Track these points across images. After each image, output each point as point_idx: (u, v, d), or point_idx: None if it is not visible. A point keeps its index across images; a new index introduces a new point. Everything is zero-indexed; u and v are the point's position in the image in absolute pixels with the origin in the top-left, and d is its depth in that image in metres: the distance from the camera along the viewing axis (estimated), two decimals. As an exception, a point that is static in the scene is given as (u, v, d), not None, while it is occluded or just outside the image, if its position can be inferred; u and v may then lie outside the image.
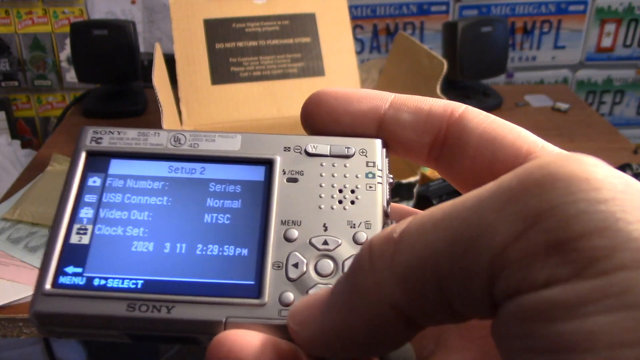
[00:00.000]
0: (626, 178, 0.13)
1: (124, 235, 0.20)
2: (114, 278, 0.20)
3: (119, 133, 0.22)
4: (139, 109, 1.22)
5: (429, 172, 0.96)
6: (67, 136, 1.14)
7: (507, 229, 0.13)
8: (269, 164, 0.21)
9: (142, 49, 1.49)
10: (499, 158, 0.19)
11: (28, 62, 1.61)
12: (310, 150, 0.22)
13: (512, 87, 1.56)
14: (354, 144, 0.21)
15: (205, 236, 0.20)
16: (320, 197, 0.21)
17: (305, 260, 0.20)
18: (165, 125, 0.63)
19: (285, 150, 0.22)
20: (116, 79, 1.22)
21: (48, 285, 0.19)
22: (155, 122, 0.66)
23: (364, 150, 0.21)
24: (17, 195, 0.92)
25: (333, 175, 0.21)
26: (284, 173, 0.21)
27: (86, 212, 0.21)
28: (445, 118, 0.20)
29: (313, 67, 0.89)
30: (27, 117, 1.69)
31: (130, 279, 0.20)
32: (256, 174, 0.21)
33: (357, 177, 0.21)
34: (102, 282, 0.20)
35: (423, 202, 0.82)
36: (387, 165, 0.21)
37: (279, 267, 0.20)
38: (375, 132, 0.21)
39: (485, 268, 0.13)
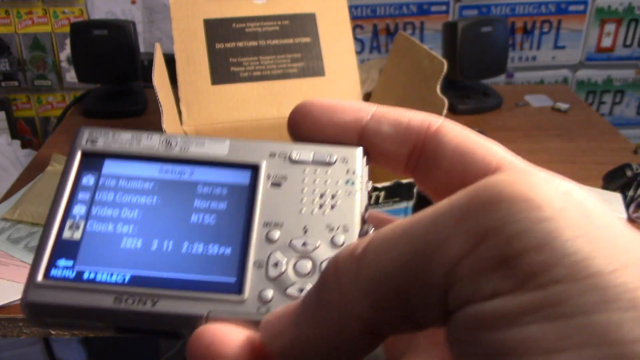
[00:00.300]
0: (567, 196, 0.14)
1: (114, 231, 0.21)
2: (102, 272, 0.21)
3: (113, 135, 0.23)
4: (139, 109, 1.22)
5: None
6: (67, 136, 1.14)
7: (458, 246, 0.14)
8: (254, 168, 0.23)
9: (142, 49, 1.49)
10: (470, 172, 0.20)
11: (28, 62, 1.61)
12: (294, 156, 0.23)
13: (512, 87, 1.56)
14: (336, 152, 0.23)
15: (191, 235, 0.21)
16: (302, 201, 0.22)
17: (284, 260, 0.21)
18: (165, 125, 0.63)
19: (270, 156, 0.23)
20: (116, 79, 1.22)
21: (40, 277, 0.20)
22: (155, 122, 0.66)
23: (345, 159, 0.22)
24: (17, 195, 0.92)
25: (315, 182, 0.22)
26: (269, 178, 0.22)
27: (79, 209, 0.22)
28: (422, 131, 0.21)
29: (313, 67, 0.89)
30: (27, 117, 1.69)
31: (118, 273, 0.21)
32: (242, 177, 0.23)
33: (337, 183, 0.22)
34: (92, 275, 0.21)
35: (423, 202, 0.82)
36: (366, 173, 0.23)
37: (260, 266, 0.21)
38: (357, 142, 0.22)
39: (440, 281, 0.14)
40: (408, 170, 0.22)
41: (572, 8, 1.66)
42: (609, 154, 1.08)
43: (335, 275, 0.16)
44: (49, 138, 1.18)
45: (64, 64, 1.62)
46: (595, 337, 0.12)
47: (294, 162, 0.23)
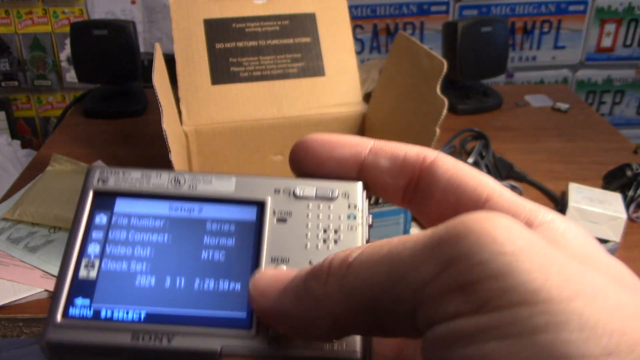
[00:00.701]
0: (528, 240, 0.16)
1: (128, 269, 0.22)
2: (119, 310, 0.21)
3: (123, 173, 0.24)
4: (139, 109, 1.22)
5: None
6: (67, 136, 1.14)
7: (428, 271, 0.16)
8: (260, 205, 0.24)
9: (142, 49, 1.49)
10: (462, 203, 0.21)
11: (28, 62, 1.61)
12: (298, 193, 0.24)
13: (512, 87, 1.56)
14: (337, 187, 0.24)
15: (202, 271, 0.22)
16: (307, 236, 0.23)
17: None
18: (165, 125, 0.63)
19: (275, 192, 0.24)
20: (116, 79, 1.22)
21: (59, 316, 0.21)
22: (155, 122, 0.66)
23: (347, 194, 0.24)
24: (17, 195, 0.92)
25: (318, 217, 0.23)
26: (274, 214, 0.23)
27: (94, 248, 0.23)
28: (418, 164, 0.22)
29: (313, 67, 0.89)
30: (27, 117, 1.69)
31: (134, 311, 0.21)
32: (249, 214, 0.24)
33: (339, 218, 0.23)
34: (109, 313, 0.21)
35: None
36: (367, 206, 0.24)
37: None
38: (356, 175, 0.24)
39: (409, 299, 0.16)
40: (405, 201, 0.23)
41: (572, 8, 1.66)
42: (609, 154, 1.08)
43: (327, 273, 0.18)
44: (49, 138, 1.18)
45: (64, 64, 1.62)
46: (544, 354, 0.14)
47: (298, 197, 0.24)
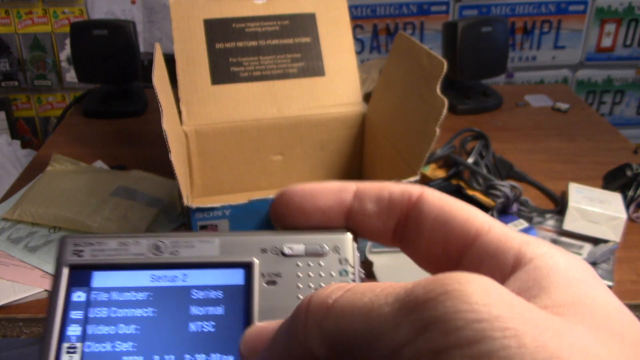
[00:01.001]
0: (506, 304, 0.16)
1: (112, 350, 0.21)
2: None
3: (99, 244, 0.22)
4: (139, 109, 1.22)
5: (429, 172, 0.96)
6: (67, 136, 1.14)
7: (404, 334, 0.16)
8: (247, 267, 0.22)
9: (142, 49, 1.49)
10: (450, 239, 0.21)
11: (28, 62, 1.61)
12: (286, 251, 0.23)
13: (512, 87, 1.56)
14: (327, 241, 0.23)
15: (191, 346, 0.21)
16: (298, 297, 0.22)
17: None
18: (165, 125, 0.63)
19: (262, 252, 0.23)
20: (116, 79, 1.22)
21: None
22: (155, 122, 0.66)
23: (337, 248, 0.23)
24: (17, 195, 0.92)
25: (309, 275, 0.22)
26: (263, 276, 0.22)
27: (74, 330, 0.21)
28: (404, 203, 0.22)
29: (313, 67, 0.89)
30: (27, 117, 1.70)
31: None
32: (236, 278, 0.22)
33: (331, 275, 0.22)
34: None
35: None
36: (358, 258, 0.23)
37: None
38: (343, 222, 0.23)
39: (385, 357, 0.16)
40: (396, 241, 0.23)
41: (572, 8, 1.66)
42: (609, 154, 1.08)
43: (305, 314, 0.18)
44: (49, 138, 1.18)
45: (64, 64, 1.62)
46: None
47: (287, 256, 0.23)
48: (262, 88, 0.87)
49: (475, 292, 0.16)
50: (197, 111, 0.84)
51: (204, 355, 0.21)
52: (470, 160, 0.95)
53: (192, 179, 0.88)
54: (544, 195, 0.96)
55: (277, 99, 0.87)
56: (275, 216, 0.23)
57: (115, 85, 1.23)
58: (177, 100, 0.83)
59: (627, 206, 0.88)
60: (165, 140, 0.62)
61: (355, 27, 1.64)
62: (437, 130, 0.67)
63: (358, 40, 1.66)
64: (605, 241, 0.82)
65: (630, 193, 0.90)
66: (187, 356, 0.21)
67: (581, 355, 0.15)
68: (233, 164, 0.88)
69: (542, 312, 0.16)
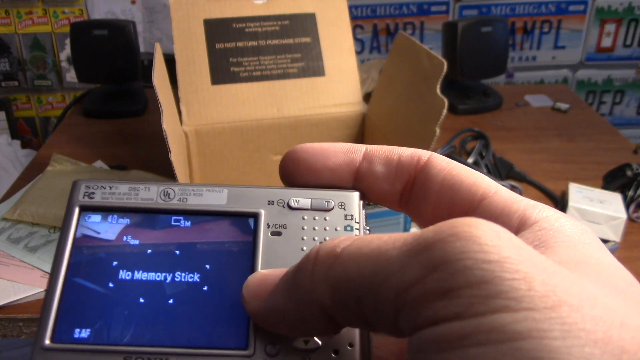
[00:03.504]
0: (515, 248, 0.15)
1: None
2: (111, 332, 0.20)
3: (110, 188, 0.23)
4: (139, 109, 1.22)
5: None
6: (67, 136, 1.14)
7: (412, 274, 0.16)
8: (254, 217, 0.23)
9: (142, 49, 1.49)
10: (456, 202, 0.21)
11: (28, 62, 1.61)
12: (292, 204, 0.23)
13: (512, 87, 1.56)
14: (333, 197, 0.23)
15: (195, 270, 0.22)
16: (302, 249, 0.22)
17: None
18: (165, 125, 0.63)
19: (269, 204, 0.23)
20: (116, 79, 1.22)
21: (47, 340, 0.20)
22: (155, 122, 0.66)
23: (343, 204, 0.23)
24: (17, 195, 0.92)
25: (314, 229, 0.22)
26: (268, 227, 0.22)
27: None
28: (412, 166, 0.22)
29: (313, 67, 0.89)
30: (27, 117, 1.69)
31: (127, 333, 0.20)
32: (242, 226, 0.23)
33: (336, 229, 0.22)
34: (100, 335, 0.20)
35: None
36: (364, 216, 0.23)
37: None
38: (351, 183, 0.23)
39: (392, 299, 0.16)
40: (402, 206, 0.23)
41: (572, 8, 1.66)
42: (609, 154, 1.08)
43: (313, 264, 0.18)
44: (49, 138, 1.18)
45: (64, 64, 1.62)
46: (526, 359, 0.14)
47: (293, 209, 0.23)
48: (262, 88, 0.87)
49: (484, 233, 0.16)
50: (197, 111, 0.84)
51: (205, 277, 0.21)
52: (470, 160, 0.95)
53: (192, 179, 0.88)
54: (544, 195, 0.96)
55: (277, 99, 0.87)
56: (284, 173, 0.23)
57: (115, 85, 1.23)
58: (177, 100, 0.83)
59: (627, 206, 0.88)
60: (165, 140, 0.62)
61: (355, 27, 1.64)
62: (437, 130, 0.67)
63: (358, 40, 1.66)
64: (606, 241, 0.82)
65: (630, 193, 0.90)
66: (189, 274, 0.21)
67: (590, 303, 0.15)
68: (233, 164, 0.88)
69: (550, 260, 0.16)
